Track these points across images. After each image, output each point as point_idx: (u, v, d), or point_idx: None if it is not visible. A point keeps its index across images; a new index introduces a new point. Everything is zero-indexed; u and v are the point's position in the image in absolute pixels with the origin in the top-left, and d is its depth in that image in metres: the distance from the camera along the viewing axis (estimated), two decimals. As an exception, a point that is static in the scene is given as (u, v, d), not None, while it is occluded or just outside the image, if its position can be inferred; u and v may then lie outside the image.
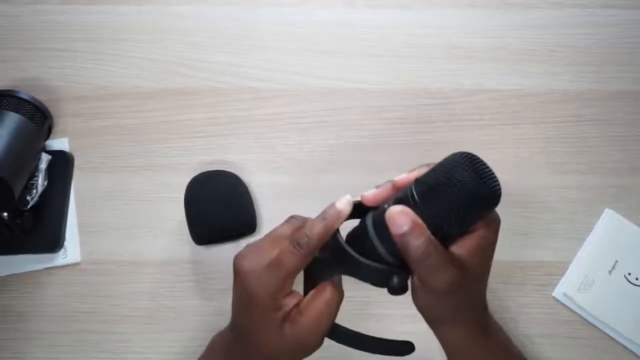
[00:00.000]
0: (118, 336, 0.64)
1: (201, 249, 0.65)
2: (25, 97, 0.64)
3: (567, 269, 0.65)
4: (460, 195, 0.42)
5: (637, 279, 0.64)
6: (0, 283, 0.65)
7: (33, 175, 0.65)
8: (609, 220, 0.66)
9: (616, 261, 0.64)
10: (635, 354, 0.63)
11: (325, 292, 0.45)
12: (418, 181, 0.43)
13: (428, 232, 0.42)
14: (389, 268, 0.43)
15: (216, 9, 0.73)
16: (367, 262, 0.43)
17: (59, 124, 0.69)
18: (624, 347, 0.63)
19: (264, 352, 0.45)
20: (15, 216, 0.62)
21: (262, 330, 0.45)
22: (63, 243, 0.66)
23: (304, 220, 0.46)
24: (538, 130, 0.69)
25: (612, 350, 0.63)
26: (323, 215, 0.44)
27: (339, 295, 0.46)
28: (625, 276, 0.64)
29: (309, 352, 0.46)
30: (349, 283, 0.46)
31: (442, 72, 0.71)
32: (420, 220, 0.42)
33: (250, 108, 0.70)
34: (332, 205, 0.44)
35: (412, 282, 0.44)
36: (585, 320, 0.64)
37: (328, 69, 0.71)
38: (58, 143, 0.69)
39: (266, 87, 0.71)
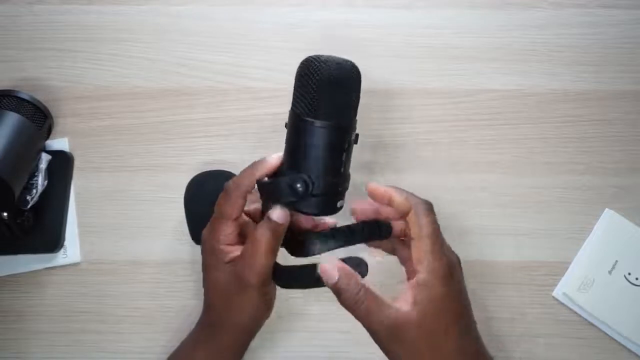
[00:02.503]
0: (118, 336, 0.64)
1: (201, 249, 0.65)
2: (25, 97, 0.64)
3: (567, 269, 0.65)
4: (323, 84, 0.49)
5: (637, 279, 0.64)
6: (0, 283, 0.65)
7: (33, 175, 0.65)
8: (609, 220, 0.66)
9: (616, 261, 0.64)
10: (635, 354, 0.63)
11: (255, 236, 0.49)
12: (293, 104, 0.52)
13: (359, 280, 0.47)
14: (290, 176, 0.49)
15: (216, 9, 0.73)
16: (272, 180, 0.51)
17: (59, 124, 0.69)
18: (624, 347, 0.63)
19: (218, 293, 0.52)
20: (15, 216, 0.62)
21: (212, 276, 0.52)
22: (63, 243, 0.66)
23: (241, 188, 0.51)
24: (538, 130, 0.69)
25: (612, 350, 0.63)
26: (250, 164, 0.51)
27: (268, 236, 0.49)
28: (625, 276, 0.64)
29: (252, 295, 0.51)
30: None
31: (442, 72, 0.71)
32: (350, 270, 0.47)
33: (250, 108, 0.70)
34: (263, 158, 0.51)
35: (374, 340, 0.48)
36: (585, 320, 0.64)
37: (328, 69, 0.71)
38: (58, 143, 0.69)
39: (266, 87, 0.71)
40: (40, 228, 0.65)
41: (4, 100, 0.63)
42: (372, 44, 0.72)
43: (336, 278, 0.47)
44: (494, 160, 0.69)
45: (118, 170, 0.68)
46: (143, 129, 0.70)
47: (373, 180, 0.63)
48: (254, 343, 0.56)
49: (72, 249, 0.66)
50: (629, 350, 0.63)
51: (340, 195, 0.50)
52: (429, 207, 0.49)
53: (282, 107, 0.70)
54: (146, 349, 0.63)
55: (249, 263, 0.49)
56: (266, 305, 0.53)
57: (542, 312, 0.64)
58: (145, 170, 0.68)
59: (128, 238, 0.66)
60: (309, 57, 0.51)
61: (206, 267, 0.53)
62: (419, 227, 0.48)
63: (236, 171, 0.66)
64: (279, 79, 0.71)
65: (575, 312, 0.64)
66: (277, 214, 0.49)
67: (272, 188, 0.50)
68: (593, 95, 0.70)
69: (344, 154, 0.50)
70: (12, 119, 0.62)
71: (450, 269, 0.48)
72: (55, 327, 0.64)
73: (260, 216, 0.52)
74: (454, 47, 0.72)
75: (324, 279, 0.47)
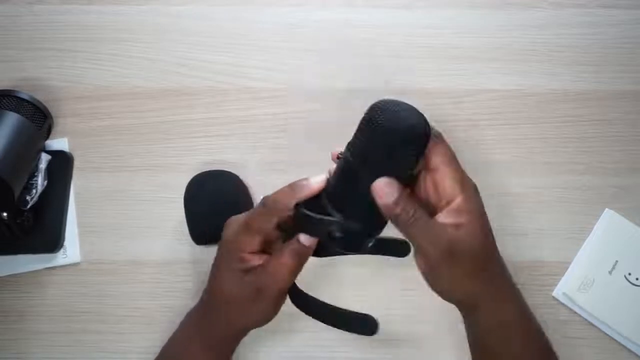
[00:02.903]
0: (118, 336, 0.64)
1: (201, 249, 0.65)
2: (25, 97, 0.64)
3: (567, 269, 0.65)
4: (377, 135, 0.45)
5: (637, 279, 0.64)
6: (0, 283, 0.65)
7: (33, 175, 0.65)
8: (609, 220, 0.66)
9: (616, 261, 0.64)
10: (635, 354, 0.63)
11: (283, 255, 0.49)
12: (348, 145, 0.48)
13: (414, 201, 0.46)
14: (330, 219, 0.47)
15: (216, 9, 0.73)
16: (312, 214, 0.48)
17: (59, 124, 0.69)
18: (624, 347, 0.63)
19: (226, 295, 0.51)
20: (15, 216, 0.62)
21: (225, 277, 0.51)
22: (63, 243, 0.66)
23: (276, 206, 0.50)
24: (538, 130, 0.69)
25: (612, 350, 0.63)
26: (291, 184, 0.50)
27: (296, 258, 0.49)
28: (625, 276, 0.64)
29: (266, 305, 0.51)
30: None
31: (442, 72, 0.71)
32: (403, 189, 0.46)
33: (250, 108, 0.70)
34: (306, 178, 0.49)
35: (421, 267, 0.47)
36: (585, 320, 0.64)
37: (328, 68, 0.71)
38: (58, 143, 0.69)
39: (266, 87, 0.71)
40: (40, 228, 0.65)
41: (4, 100, 0.63)
42: (372, 44, 0.72)
43: (396, 195, 0.45)
44: (494, 160, 0.69)
45: (118, 170, 0.68)
46: (143, 129, 0.70)
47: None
48: (254, 344, 0.56)
49: (72, 249, 0.66)
50: (629, 350, 0.63)
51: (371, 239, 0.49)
52: (439, 134, 0.49)
53: (282, 107, 0.71)
54: (146, 349, 0.63)
55: (273, 278, 0.49)
56: (274, 314, 0.53)
57: (542, 312, 0.64)
58: (145, 170, 0.68)
59: (128, 238, 0.66)
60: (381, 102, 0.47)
61: (221, 268, 0.52)
62: (441, 156, 0.47)
63: (236, 171, 0.67)
64: (279, 79, 0.71)
65: (575, 312, 0.64)
66: (309, 241, 0.49)
67: (313, 224, 0.48)
68: (593, 95, 0.70)
69: None
70: (12, 119, 0.62)
71: (476, 191, 0.48)
72: (55, 327, 0.64)
73: (285, 234, 0.51)
74: (454, 47, 0.72)
75: (381, 196, 0.45)
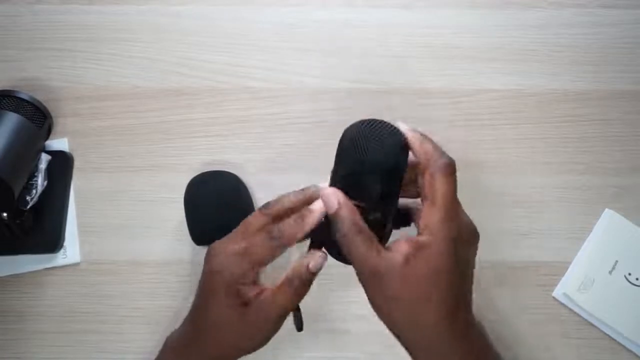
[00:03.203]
0: (118, 336, 0.64)
1: (201, 249, 0.65)
2: (24, 97, 0.64)
3: (567, 269, 0.65)
4: (350, 153, 0.45)
5: (637, 279, 0.64)
6: (0, 283, 0.65)
7: (33, 175, 0.65)
8: (609, 220, 0.66)
9: (616, 261, 0.64)
10: (635, 354, 0.63)
11: (280, 294, 0.46)
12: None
13: (357, 216, 0.44)
14: None
15: (216, 9, 0.73)
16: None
17: (59, 124, 0.69)
18: (624, 347, 0.63)
19: (215, 328, 0.47)
20: (15, 216, 0.62)
21: (217, 313, 0.47)
22: (63, 243, 0.66)
23: (278, 209, 0.48)
24: (538, 130, 0.69)
25: (612, 350, 0.63)
26: (301, 216, 0.46)
27: (290, 300, 0.47)
28: (625, 276, 0.64)
29: (264, 335, 0.48)
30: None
31: (442, 72, 0.71)
32: (350, 204, 0.44)
33: (250, 108, 0.70)
34: (313, 210, 0.46)
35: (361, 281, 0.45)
36: (585, 320, 0.64)
37: (328, 69, 0.71)
38: (58, 143, 0.69)
39: (266, 87, 0.71)
40: (40, 228, 0.65)
41: (4, 101, 0.63)
42: (372, 44, 0.72)
43: (335, 207, 0.44)
44: (494, 160, 0.69)
45: (118, 171, 0.68)
46: (143, 129, 0.70)
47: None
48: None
49: (71, 249, 0.66)
50: (629, 350, 0.63)
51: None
52: (449, 168, 0.45)
53: (282, 107, 0.71)
54: (146, 349, 0.63)
55: (275, 306, 0.47)
56: (268, 341, 0.49)
57: (542, 312, 0.64)
58: (146, 170, 0.68)
59: (128, 238, 0.66)
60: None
61: (211, 302, 0.48)
62: (432, 190, 0.44)
63: (236, 171, 0.67)
64: (279, 79, 0.71)
65: (575, 312, 0.64)
66: (317, 263, 0.46)
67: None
68: (593, 95, 0.70)
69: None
70: (12, 119, 0.62)
71: (455, 241, 0.43)
72: (55, 327, 0.64)
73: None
74: (454, 47, 0.72)
75: (324, 202, 0.45)
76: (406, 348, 0.45)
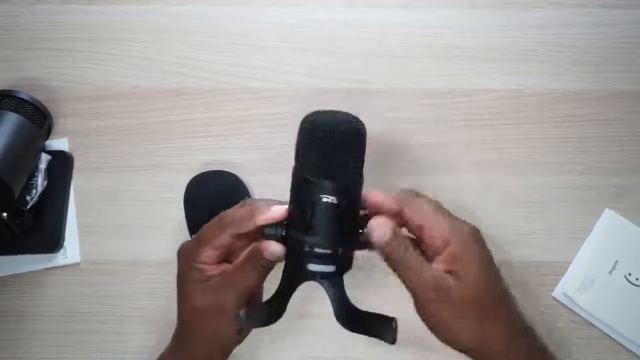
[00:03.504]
0: (118, 336, 0.64)
1: (201, 249, 0.65)
2: (24, 97, 0.64)
3: (567, 269, 0.65)
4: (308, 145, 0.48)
5: (637, 279, 0.64)
6: (0, 283, 0.65)
7: (32, 175, 0.65)
8: (609, 220, 0.66)
9: (616, 261, 0.64)
10: (635, 354, 0.63)
11: (242, 266, 0.48)
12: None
13: (406, 239, 0.45)
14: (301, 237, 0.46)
15: (216, 9, 0.73)
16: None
17: (59, 124, 0.69)
18: (624, 347, 0.63)
19: (191, 307, 0.50)
20: (15, 216, 0.62)
21: (186, 289, 0.50)
22: (63, 243, 0.66)
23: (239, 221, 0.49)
24: (538, 130, 0.69)
25: (612, 350, 0.63)
26: (253, 206, 0.48)
27: (257, 269, 0.48)
28: (625, 276, 0.64)
29: (234, 327, 0.49)
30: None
31: (442, 72, 0.71)
32: (398, 228, 0.45)
33: (250, 108, 0.70)
34: (267, 202, 0.48)
35: (418, 312, 0.46)
36: (585, 320, 0.64)
37: (328, 69, 0.71)
38: (58, 143, 0.69)
39: (266, 87, 0.71)
40: (40, 228, 0.65)
41: (4, 101, 0.63)
42: (372, 44, 0.72)
43: (388, 237, 0.45)
44: (494, 160, 0.69)
45: (118, 171, 0.68)
46: (143, 129, 0.70)
47: (373, 180, 0.63)
48: (254, 344, 0.56)
49: (71, 249, 0.66)
50: (629, 350, 0.63)
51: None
52: (411, 191, 0.48)
53: (282, 107, 0.71)
54: (146, 349, 0.63)
55: (234, 290, 0.48)
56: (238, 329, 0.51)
57: (542, 312, 0.64)
58: (145, 170, 0.68)
59: (128, 238, 0.66)
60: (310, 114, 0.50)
61: (181, 279, 0.51)
62: (420, 212, 0.46)
63: (236, 171, 0.67)
64: (279, 79, 0.71)
65: (575, 312, 0.64)
66: (274, 250, 0.47)
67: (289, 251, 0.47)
68: (593, 95, 0.70)
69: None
70: (12, 119, 0.62)
71: (473, 235, 0.47)
72: (55, 327, 0.64)
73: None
74: (454, 47, 0.72)
75: (374, 234, 0.45)
76: (472, 353, 0.47)
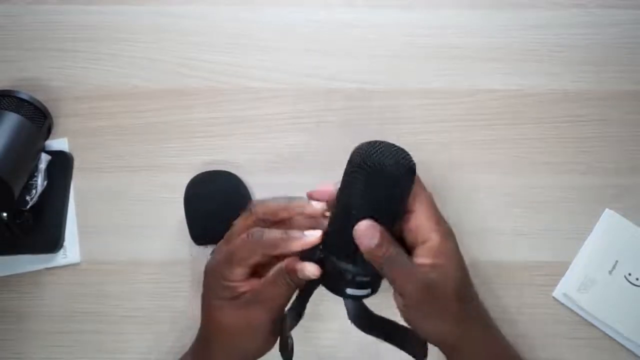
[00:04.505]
0: (117, 336, 0.64)
1: (201, 249, 0.65)
2: (24, 97, 0.64)
3: (567, 269, 0.65)
4: (358, 178, 0.45)
5: (637, 279, 0.64)
6: (0, 283, 0.65)
7: (32, 175, 0.65)
8: (609, 220, 0.66)
9: (616, 261, 0.64)
10: (635, 354, 0.63)
11: (273, 282, 0.48)
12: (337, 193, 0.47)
13: (394, 241, 0.46)
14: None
15: (216, 9, 0.73)
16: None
17: (59, 124, 0.69)
18: (624, 347, 0.63)
19: (217, 324, 0.50)
20: (15, 216, 0.62)
21: (214, 306, 0.50)
22: (63, 243, 0.66)
23: (264, 211, 0.50)
24: (538, 130, 0.69)
25: (612, 350, 0.63)
26: (287, 234, 0.47)
27: (286, 286, 0.48)
28: (625, 276, 0.64)
29: (260, 334, 0.49)
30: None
31: (442, 72, 0.71)
32: (384, 231, 0.45)
33: (250, 108, 0.70)
34: (299, 235, 0.47)
35: (399, 305, 0.47)
36: (585, 320, 0.64)
37: (328, 69, 0.71)
38: (58, 143, 0.69)
39: (266, 87, 0.71)
40: (40, 228, 0.65)
41: (4, 101, 0.63)
42: (372, 44, 0.72)
43: (378, 239, 0.45)
44: (494, 160, 0.69)
45: (118, 171, 0.68)
46: (143, 129, 0.70)
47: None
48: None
49: (71, 249, 0.66)
50: (629, 350, 0.63)
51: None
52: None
53: (282, 107, 0.71)
54: (146, 349, 0.63)
55: (263, 307, 0.48)
56: (272, 343, 0.51)
57: (542, 312, 0.64)
58: (145, 170, 0.68)
59: (128, 238, 0.66)
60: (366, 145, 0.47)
61: (208, 297, 0.51)
62: (415, 198, 0.47)
63: (236, 171, 0.67)
64: (279, 79, 0.71)
65: (575, 312, 0.64)
66: (310, 271, 0.47)
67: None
68: (593, 95, 0.70)
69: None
70: (12, 119, 0.62)
71: (451, 233, 0.48)
72: (55, 327, 0.64)
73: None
74: (454, 47, 0.72)
75: (363, 240, 0.45)
76: (443, 346, 0.49)
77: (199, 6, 0.73)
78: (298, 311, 0.50)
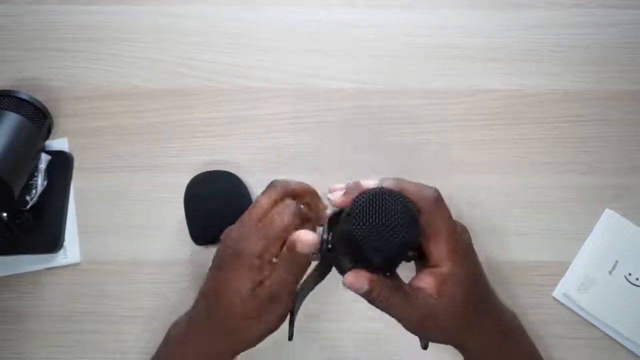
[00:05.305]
0: (117, 336, 0.64)
1: (201, 249, 0.65)
2: (24, 97, 0.64)
3: (567, 269, 0.65)
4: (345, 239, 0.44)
5: (637, 279, 0.64)
6: (0, 283, 0.65)
7: (32, 175, 0.65)
8: (609, 220, 0.66)
9: (616, 261, 0.64)
10: (635, 354, 0.63)
11: (278, 271, 0.47)
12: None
13: (383, 281, 0.44)
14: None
15: (216, 9, 0.73)
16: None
17: (59, 124, 0.69)
18: (624, 347, 0.63)
19: (229, 309, 0.48)
20: (15, 216, 0.62)
21: (233, 288, 0.47)
22: (63, 243, 0.66)
23: (285, 187, 0.50)
24: (538, 130, 0.69)
25: (612, 350, 0.63)
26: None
27: (287, 277, 0.47)
28: (625, 276, 0.64)
29: (279, 312, 0.48)
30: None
31: (442, 72, 0.71)
32: (374, 277, 0.44)
33: (250, 108, 0.70)
34: (302, 236, 0.46)
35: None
36: (585, 320, 0.64)
37: (328, 69, 0.71)
38: (58, 143, 0.69)
39: (266, 87, 0.71)
40: (40, 228, 0.65)
41: (4, 100, 0.63)
42: (372, 44, 0.72)
43: (366, 288, 0.44)
44: (494, 160, 0.69)
45: (118, 171, 0.68)
46: (143, 129, 0.70)
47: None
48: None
49: (71, 249, 0.66)
50: (629, 350, 0.63)
51: None
52: (437, 196, 0.46)
53: (282, 107, 0.71)
54: (146, 349, 0.63)
55: (284, 285, 0.47)
56: (280, 323, 0.50)
57: (542, 312, 0.64)
58: (145, 170, 0.68)
59: (128, 238, 0.66)
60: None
61: (231, 275, 0.48)
62: (432, 223, 0.45)
63: (236, 171, 0.67)
64: (279, 79, 0.71)
65: (575, 312, 0.64)
66: (304, 244, 0.46)
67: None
68: (593, 95, 0.70)
69: None
70: (12, 119, 0.62)
71: (465, 251, 0.46)
72: (55, 327, 0.64)
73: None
74: (454, 47, 0.72)
75: (352, 287, 0.44)
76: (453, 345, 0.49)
77: (199, 6, 0.73)
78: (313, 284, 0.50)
